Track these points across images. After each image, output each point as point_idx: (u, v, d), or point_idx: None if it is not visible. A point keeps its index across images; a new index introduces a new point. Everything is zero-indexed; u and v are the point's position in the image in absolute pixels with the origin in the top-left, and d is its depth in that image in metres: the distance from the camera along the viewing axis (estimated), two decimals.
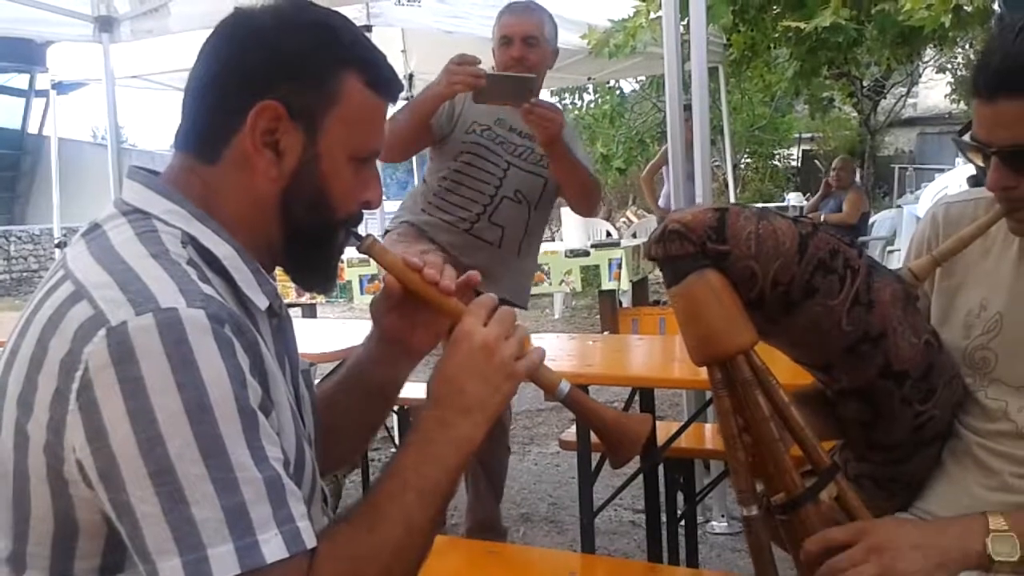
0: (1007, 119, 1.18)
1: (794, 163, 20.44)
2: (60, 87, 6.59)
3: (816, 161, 18.69)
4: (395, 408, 3.30)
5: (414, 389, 1.55)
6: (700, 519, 3.22)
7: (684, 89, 3.22)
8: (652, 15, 4.77)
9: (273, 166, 0.99)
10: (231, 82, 0.99)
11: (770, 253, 1.18)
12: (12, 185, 18.99)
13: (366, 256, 1.13)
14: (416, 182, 5.95)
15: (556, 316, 8.96)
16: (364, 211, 1.09)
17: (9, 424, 0.89)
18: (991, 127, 1.21)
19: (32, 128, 18.98)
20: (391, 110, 1.32)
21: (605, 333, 4.94)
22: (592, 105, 14.48)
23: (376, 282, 4.95)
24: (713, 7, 4.69)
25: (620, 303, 5.71)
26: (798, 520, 1.16)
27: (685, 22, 3.29)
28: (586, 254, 5.10)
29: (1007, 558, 1.10)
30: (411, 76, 6.48)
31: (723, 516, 3.38)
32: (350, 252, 1.82)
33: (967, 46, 12.08)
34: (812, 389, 1.40)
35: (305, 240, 1.04)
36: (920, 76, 18.74)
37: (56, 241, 6.69)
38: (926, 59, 16.11)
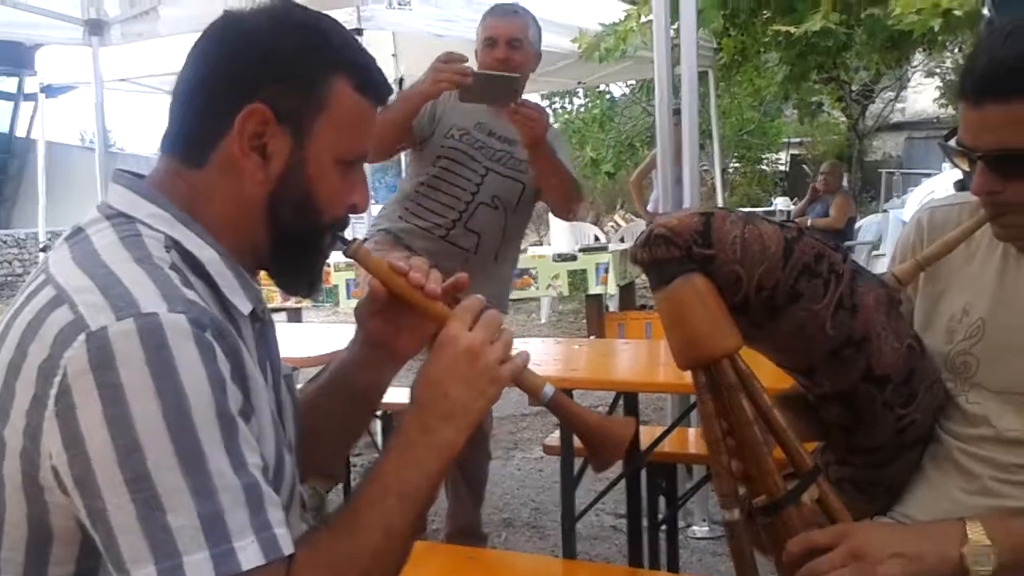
0: (993, 123, 1.18)
1: (782, 167, 20.46)
2: (49, 90, 6.55)
3: (804, 165, 18.76)
4: (378, 413, 3.28)
5: (397, 394, 1.55)
6: (681, 524, 3.22)
7: (674, 93, 3.23)
8: (642, 19, 4.77)
9: (260, 170, 0.99)
10: (219, 85, 0.99)
11: (755, 257, 1.19)
12: None
13: (352, 260, 1.13)
14: None
15: (543, 320, 8.95)
16: (351, 215, 1.08)
17: None
18: (977, 131, 1.21)
19: (20, 131, 18.87)
20: None
21: (591, 337, 4.94)
22: (582, 109, 14.48)
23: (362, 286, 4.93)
24: (703, 11, 4.70)
25: (607, 307, 5.71)
26: (780, 522, 1.16)
27: (675, 26, 3.29)
28: (573, 258, 5.10)
29: (983, 567, 1.10)
30: (401, 80, 6.45)
31: (704, 521, 3.37)
32: (337, 256, 1.82)
33: (956, 50, 12.11)
34: (794, 392, 1.41)
35: (291, 244, 1.04)
36: (909, 81, 18.83)
37: (41, 245, 6.64)
38: (915, 64, 16.20)
